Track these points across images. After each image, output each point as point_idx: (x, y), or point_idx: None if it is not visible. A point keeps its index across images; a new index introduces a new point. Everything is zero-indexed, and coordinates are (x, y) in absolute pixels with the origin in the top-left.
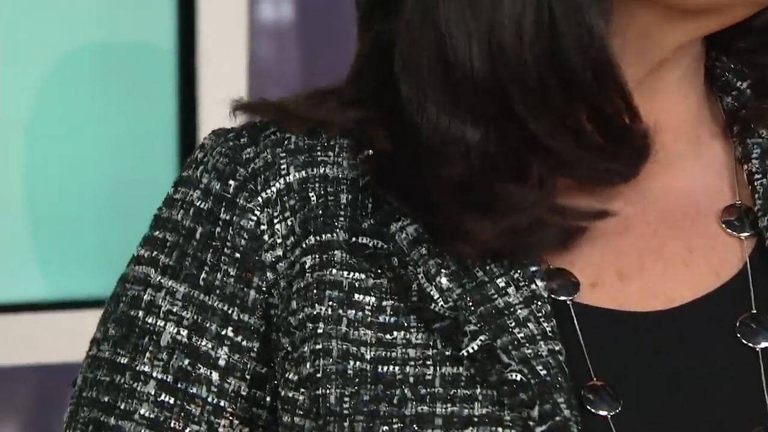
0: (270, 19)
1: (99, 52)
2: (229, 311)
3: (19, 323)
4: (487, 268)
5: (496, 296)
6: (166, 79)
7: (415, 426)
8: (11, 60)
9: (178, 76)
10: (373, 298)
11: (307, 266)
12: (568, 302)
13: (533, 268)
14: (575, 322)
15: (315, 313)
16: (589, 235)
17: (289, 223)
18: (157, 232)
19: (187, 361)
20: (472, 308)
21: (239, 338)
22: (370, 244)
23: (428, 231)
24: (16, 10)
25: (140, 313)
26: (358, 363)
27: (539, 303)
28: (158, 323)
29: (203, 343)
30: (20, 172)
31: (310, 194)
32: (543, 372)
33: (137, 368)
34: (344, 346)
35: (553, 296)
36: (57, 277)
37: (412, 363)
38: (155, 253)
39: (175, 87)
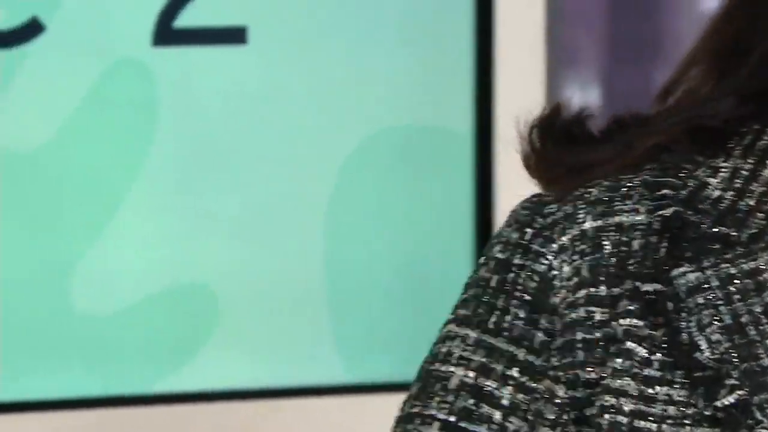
0: (575, 105)
1: (396, 136)
2: (516, 352)
3: (319, 406)
4: (761, 327)
5: (763, 355)
6: (462, 164)
7: None
8: (314, 144)
9: (475, 160)
10: (643, 350)
11: (596, 320)
12: None
13: None
14: None
15: (595, 376)
16: None
17: (577, 265)
18: (463, 295)
19: (471, 401)
20: (737, 363)
21: (524, 378)
22: (651, 289)
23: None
24: (319, 95)
25: (436, 365)
26: (616, 416)
27: None
28: (450, 369)
29: (488, 383)
30: (319, 256)
31: (604, 242)
32: None
33: (425, 413)
34: (606, 399)
35: None
36: (355, 361)
37: (670, 421)
38: (458, 311)
39: (472, 171)
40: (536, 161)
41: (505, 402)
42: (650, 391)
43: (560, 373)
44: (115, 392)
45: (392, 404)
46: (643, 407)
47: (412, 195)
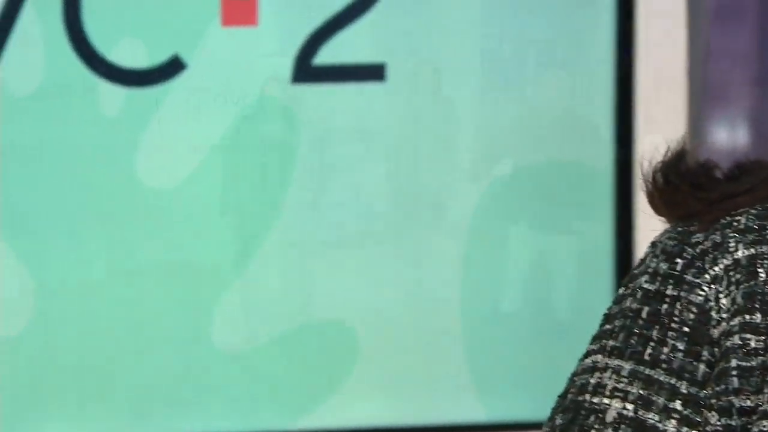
0: (722, 144)
1: (536, 172)
2: (678, 384)
3: None
4: None
5: None
6: (603, 201)
7: None
8: (452, 180)
9: (616, 197)
10: None
11: (751, 347)
12: None
13: None
14: None
15: (751, 403)
16: None
17: (733, 295)
18: (606, 326)
19: None
20: None
21: (687, 411)
22: None
23: None
24: (457, 131)
25: (587, 396)
26: None
27: None
28: (604, 401)
29: (650, 416)
30: (456, 293)
31: (759, 270)
32: None
33: None
34: (764, 424)
35: None
36: (493, 399)
37: None
38: (602, 342)
39: (612, 208)
40: (663, 198)
41: None
42: None
43: (713, 400)
44: (257, 429)
45: None
46: None
47: (551, 232)
